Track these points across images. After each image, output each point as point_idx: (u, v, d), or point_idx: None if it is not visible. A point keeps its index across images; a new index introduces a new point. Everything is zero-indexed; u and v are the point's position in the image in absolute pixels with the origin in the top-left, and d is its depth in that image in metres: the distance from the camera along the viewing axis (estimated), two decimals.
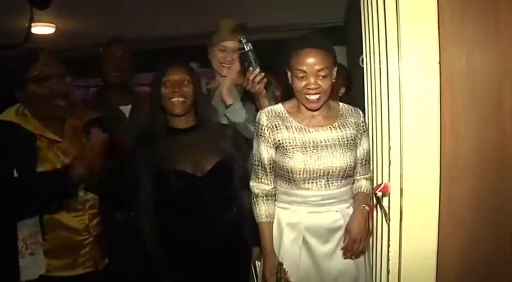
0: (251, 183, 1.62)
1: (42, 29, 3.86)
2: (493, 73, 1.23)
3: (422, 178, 1.26)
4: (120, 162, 1.74)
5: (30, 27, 2.71)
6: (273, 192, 1.60)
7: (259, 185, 1.59)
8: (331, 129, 1.54)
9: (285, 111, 1.58)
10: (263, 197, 1.58)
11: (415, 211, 1.27)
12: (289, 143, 1.52)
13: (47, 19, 3.68)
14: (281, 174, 1.56)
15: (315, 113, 1.56)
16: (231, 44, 2.06)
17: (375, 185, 1.58)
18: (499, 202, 1.25)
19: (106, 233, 1.69)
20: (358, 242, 1.49)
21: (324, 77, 1.47)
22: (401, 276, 1.31)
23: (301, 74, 1.47)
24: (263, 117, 1.57)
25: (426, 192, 1.26)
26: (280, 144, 1.53)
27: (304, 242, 1.54)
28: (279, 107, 1.60)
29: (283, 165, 1.53)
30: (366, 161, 1.60)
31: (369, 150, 1.60)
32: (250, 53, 1.76)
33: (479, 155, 1.25)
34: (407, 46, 1.24)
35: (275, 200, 1.60)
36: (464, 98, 1.25)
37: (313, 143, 1.51)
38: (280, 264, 1.50)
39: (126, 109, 2.25)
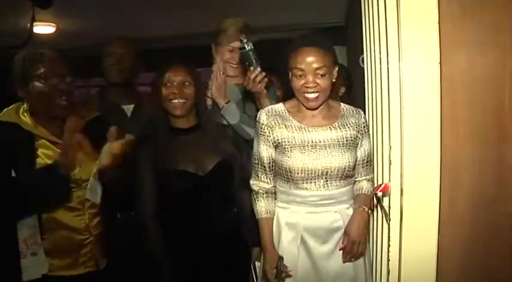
0: (251, 182, 1.62)
1: (42, 28, 3.85)
2: (494, 73, 1.23)
3: (423, 178, 1.26)
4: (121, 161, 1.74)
5: (32, 26, 2.70)
6: (273, 190, 1.60)
7: (259, 183, 1.60)
8: (330, 129, 1.54)
9: (285, 111, 1.58)
10: (263, 193, 1.59)
11: (415, 211, 1.27)
12: (288, 142, 1.52)
13: (47, 18, 3.68)
14: (280, 173, 1.56)
15: (315, 112, 1.56)
16: (239, 44, 2.05)
17: (375, 185, 1.58)
18: (499, 202, 1.25)
19: (107, 233, 1.69)
20: (357, 244, 1.49)
21: (322, 75, 1.47)
22: (401, 276, 1.31)
23: (299, 73, 1.48)
24: (263, 116, 1.57)
25: (426, 192, 1.26)
26: (279, 143, 1.53)
27: (303, 242, 1.54)
28: (279, 106, 1.60)
29: (282, 164, 1.53)
30: (367, 162, 1.60)
31: (371, 151, 1.60)
32: (251, 53, 1.76)
33: (480, 155, 1.25)
34: (408, 46, 1.24)
35: (275, 199, 1.61)
36: (465, 98, 1.25)
37: (312, 142, 1.51)
38: (281, 258, 1.50)
39: (129, 109, 2.24)
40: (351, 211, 1.55)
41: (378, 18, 1.41)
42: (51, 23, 3.87)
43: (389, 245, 1.34)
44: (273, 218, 1.58)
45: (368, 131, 1.61)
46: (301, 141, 1.51)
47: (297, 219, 1.54)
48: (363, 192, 1.59)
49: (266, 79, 1.80)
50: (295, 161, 1.50)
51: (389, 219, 1.35)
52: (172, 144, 1.71)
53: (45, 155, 1.56)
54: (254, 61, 1.76)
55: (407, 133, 1.26)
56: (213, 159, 1.72)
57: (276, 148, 1.56)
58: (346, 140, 1.54)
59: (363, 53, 1.75)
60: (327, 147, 1.51)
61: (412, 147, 1.26)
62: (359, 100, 1.97)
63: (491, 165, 1.25)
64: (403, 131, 1.27)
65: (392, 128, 1.32)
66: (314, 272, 1.54)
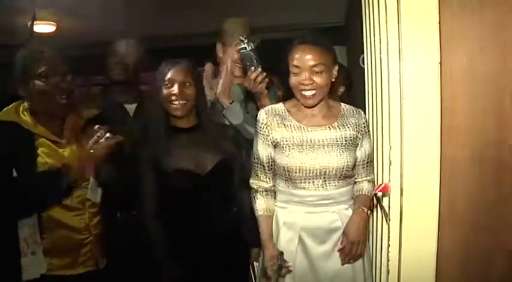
0: (251, 181, 1.62)
1: (42, 27, 3.85)
2: (494, 73, 1.23)
3: (423, 178, 1.26)
4: (121, 161, 1.74)
5: (33, 25, 2.70)
6: (272, 189, 1.61)
7: (259, 182, 1.60)
8: (329, 129, 1.54)
9: (285, 110, 1.58)
10: (262, 191, 1.60)
11: (415, 211, 1.28)
12: (287, 141, 1.52)
13: (48, 17, 3.68)
14: (279, 172, 1.56)
15: (315, 112, 1.56)
16: (240, 44, 2.04)
17: (375, 185, 1.58)
18: (499, 202, 1.25)
19: (107, 232, 1.69)
20: (356, 245, 1.49)
21: (318, 73, 1.46)
22: (401, 276, 1.31)
23: (295, 70, 1.48)
24: (263, 115, 1.57)
25: (426, 192, 1.26)
26: (278, 142, 1.54)
27: (301, 241, 1.54)
28: (279, 106, 1.60)
29: (280, 164, 1.53)
30: (367, 162, 1.59)
31: (371, 152, 1.60)
32: (252, 53, 1.76)
33: (480, 155, 1.25)
34: (408, 46, 1.24)
35: (275, 198, 1.61)
36: (465, 98, 1.25)
37: (310, 142, 1.51)
38: (281, 252, 1.50)
39: (132, 108, 2.24)
40: (349, 212, 1.54)
41: (378, 18, 1.41)
42: (51, 22, 3.87)
43: (389, 245, 1.34)
44: (272, 216, 1.59)
45: (368, 131, 1.60)
46: (300, 141, 1.51)
47: (295, 218, 1.54)
48: (363, 193, 1.59)
49: (267, 79, 1.80)
50: (293, 160, 1.50)
51: (389, 220, 1.35)
52: (173, 143, 1.71)
53: (45, 153, 1.56)
54: (255, 61, 1.76)
55: (407, 133, 1.27)
56: (213, 159, 1.72)
57: (275, 147, 1.56)
58: (346, 140, 1.53)
59: (363, 53, 1.75)
60: (325, 147, 1.51)
61: (412, 147, 1.26)
62: (359, 100, 1.97)
63: (491, 166, 1.25)
64: (403, 131, 1.27)
65: (392, 127, 1.32)
66: (312, 272, 1.54)
